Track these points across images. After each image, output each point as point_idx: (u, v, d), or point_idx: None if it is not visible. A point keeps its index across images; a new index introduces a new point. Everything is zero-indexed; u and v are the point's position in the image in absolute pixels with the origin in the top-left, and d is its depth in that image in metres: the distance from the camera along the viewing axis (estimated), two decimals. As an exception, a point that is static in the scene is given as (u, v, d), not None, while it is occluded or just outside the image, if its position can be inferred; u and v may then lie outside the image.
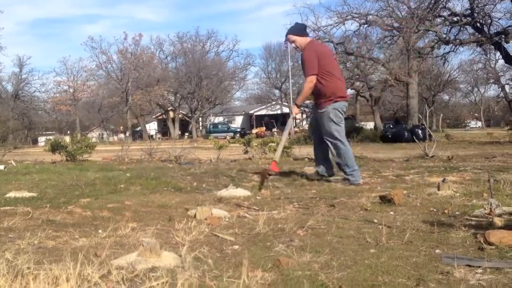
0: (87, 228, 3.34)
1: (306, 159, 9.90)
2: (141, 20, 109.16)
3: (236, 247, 2.80)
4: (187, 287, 1.89)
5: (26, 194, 4.78)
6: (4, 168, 8.64)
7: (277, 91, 67.56)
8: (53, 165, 9.73)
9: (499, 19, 22.54)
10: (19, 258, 2.34)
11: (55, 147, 12.01)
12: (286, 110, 56.32)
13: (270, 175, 5.61)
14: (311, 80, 5.65)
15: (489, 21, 22.15)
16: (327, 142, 5.81)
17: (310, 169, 7.19)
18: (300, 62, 7.34)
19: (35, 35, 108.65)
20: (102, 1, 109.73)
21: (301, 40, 5.89)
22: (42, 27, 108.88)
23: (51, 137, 21.66)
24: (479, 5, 21.86)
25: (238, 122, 63.53)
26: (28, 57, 78.36)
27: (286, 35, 6.09)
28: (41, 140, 45.07)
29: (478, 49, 27.95)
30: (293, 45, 6.02)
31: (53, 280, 1.93)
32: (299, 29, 6.08)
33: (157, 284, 1.94)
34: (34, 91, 58.55)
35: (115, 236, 3.06)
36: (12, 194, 4.72)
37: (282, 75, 64.31)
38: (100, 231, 3.20)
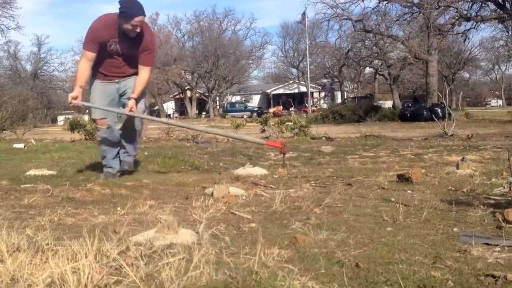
0: (106, 206, 3.38)
1: (323, 138, 9.87)
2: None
3: (253, 224, 2.81)
4: (204, 263, 1.91)
5: (46, 172, 4.84)
6: (24, 146, 8.76)
7: (294, 70, 67.02)
8: (72, 144, 9.84)
9: (522, -6, 22.02)
10: (39, 234, 2.38)
11: (74, 126, 12.17)
12: (303, 89, 55.92)
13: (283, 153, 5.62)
14: None
15: (512, -4, 21.65)
16: None
17: (327, 148, 7.18)
18: None
19: (53, 14, 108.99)
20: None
21: None
22: (61, 6, 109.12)
23: (70, 116, 21.87)
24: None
25: (255, 101, 63.22)
26: (46, 36, 78.55)
27: None
28: (60, 119, 45.48)
29: (500, 25, 27.35)
30: None
31: (72, 256, 1.96)
32: None
33: (175, 260, 1.96)
34: (53, 70, 58.93)
35: (133, 214, 3.10)
36: (32, 172, 4.79)
37: (299, 54, 63.69)
38: (118, 208, 3.24)
